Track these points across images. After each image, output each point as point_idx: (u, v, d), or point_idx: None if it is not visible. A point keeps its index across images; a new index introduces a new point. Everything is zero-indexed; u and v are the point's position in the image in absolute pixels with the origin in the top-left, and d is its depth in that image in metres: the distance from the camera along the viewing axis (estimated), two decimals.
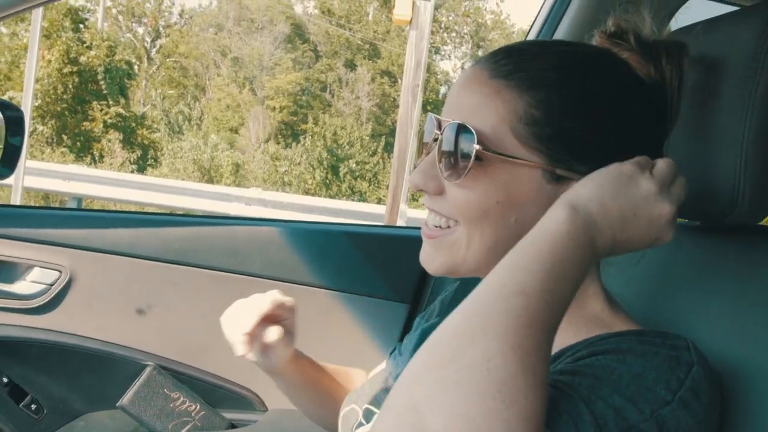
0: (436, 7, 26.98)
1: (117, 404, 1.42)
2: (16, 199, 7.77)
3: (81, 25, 20.77)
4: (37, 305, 1.44)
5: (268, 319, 1.00)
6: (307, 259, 1.54)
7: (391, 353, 1.05)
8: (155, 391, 1.44)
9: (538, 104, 0.72)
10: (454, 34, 29.26)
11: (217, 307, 1.52)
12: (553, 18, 1.50)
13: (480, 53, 29.12)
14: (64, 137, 20.00)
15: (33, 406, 1.39)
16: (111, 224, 1.49)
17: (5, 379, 1.38)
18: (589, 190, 0.67)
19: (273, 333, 0.98)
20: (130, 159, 19.47)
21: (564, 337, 0.71)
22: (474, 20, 29.10)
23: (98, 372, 1.47)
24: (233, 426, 1.51)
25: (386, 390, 0.96)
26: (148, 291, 1.50)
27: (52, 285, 1.44)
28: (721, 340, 0.82)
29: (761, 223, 0.93)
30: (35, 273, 1.44)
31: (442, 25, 28.61)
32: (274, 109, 25.07)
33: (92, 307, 1.47)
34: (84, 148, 20.25)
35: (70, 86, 20.14)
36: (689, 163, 0.88)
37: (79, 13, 20.90)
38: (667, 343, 0.66)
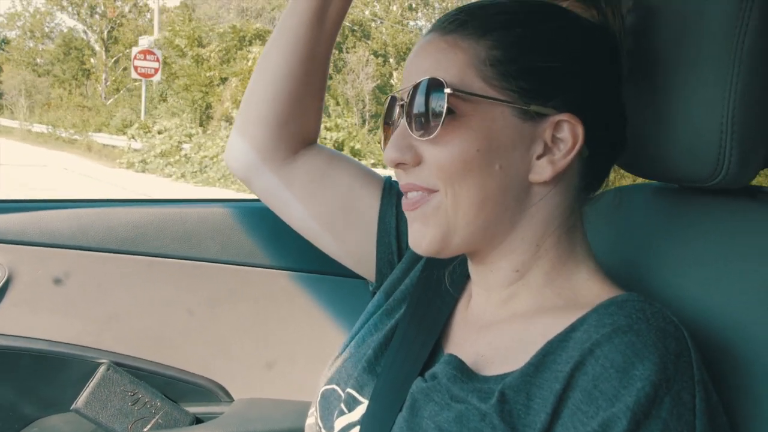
0: None
1: (71, 407, 1.34)
2: None
3: None
4: None
5: None
6: (264, 239, 1.45)
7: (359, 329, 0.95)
8: (111, 390, 1.36)
9: (496, 44, 0.72)
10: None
11: (171, 297, 1.44)
12: None
13: None
14: None
15: None
16: (50, 215, 1.38)
17: None
18: None
19: None
20: None
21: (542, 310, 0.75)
22: None
23: (49, 374, 1.38)
24: (198, 420, 1.43)
25: (367, 369, 0.86)
26: (96, 284, 1.40)
27: None
28: (702, 306, 0.77)
29: None
30: None
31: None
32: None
33: (36, 305, 1.37)
34: None
35: None
36: (666, 122, 0.81)
37: None
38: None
